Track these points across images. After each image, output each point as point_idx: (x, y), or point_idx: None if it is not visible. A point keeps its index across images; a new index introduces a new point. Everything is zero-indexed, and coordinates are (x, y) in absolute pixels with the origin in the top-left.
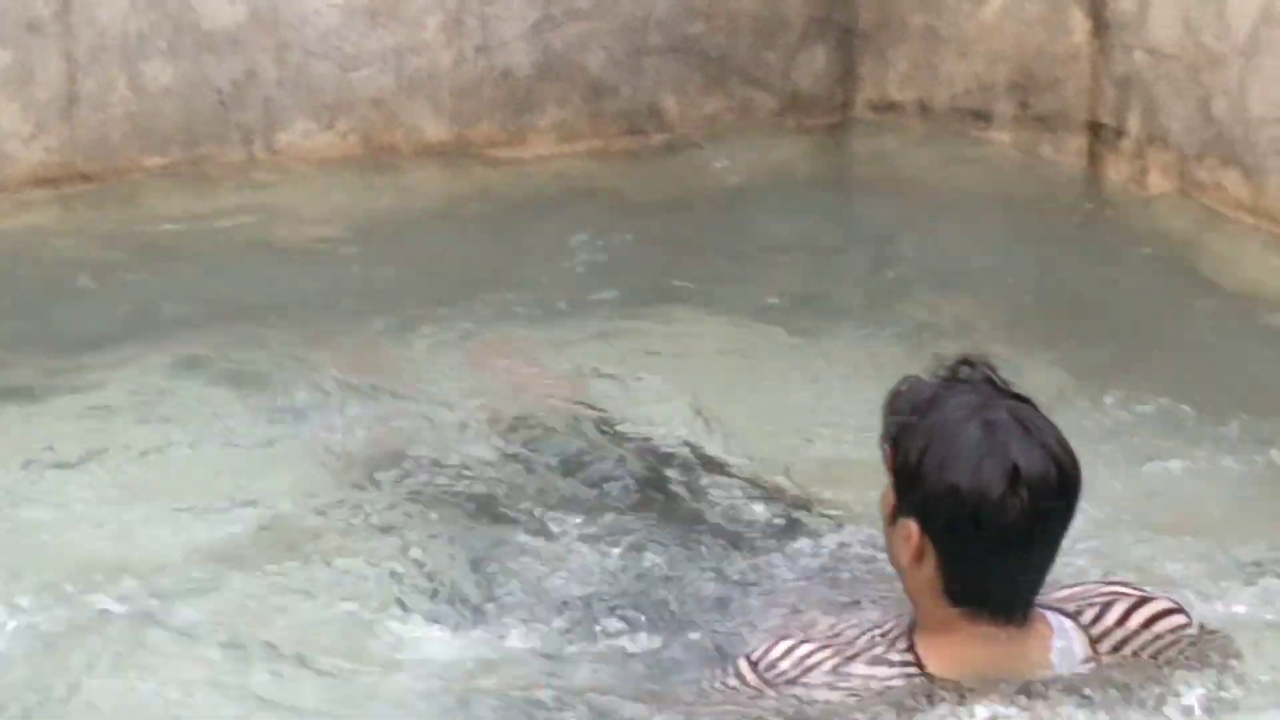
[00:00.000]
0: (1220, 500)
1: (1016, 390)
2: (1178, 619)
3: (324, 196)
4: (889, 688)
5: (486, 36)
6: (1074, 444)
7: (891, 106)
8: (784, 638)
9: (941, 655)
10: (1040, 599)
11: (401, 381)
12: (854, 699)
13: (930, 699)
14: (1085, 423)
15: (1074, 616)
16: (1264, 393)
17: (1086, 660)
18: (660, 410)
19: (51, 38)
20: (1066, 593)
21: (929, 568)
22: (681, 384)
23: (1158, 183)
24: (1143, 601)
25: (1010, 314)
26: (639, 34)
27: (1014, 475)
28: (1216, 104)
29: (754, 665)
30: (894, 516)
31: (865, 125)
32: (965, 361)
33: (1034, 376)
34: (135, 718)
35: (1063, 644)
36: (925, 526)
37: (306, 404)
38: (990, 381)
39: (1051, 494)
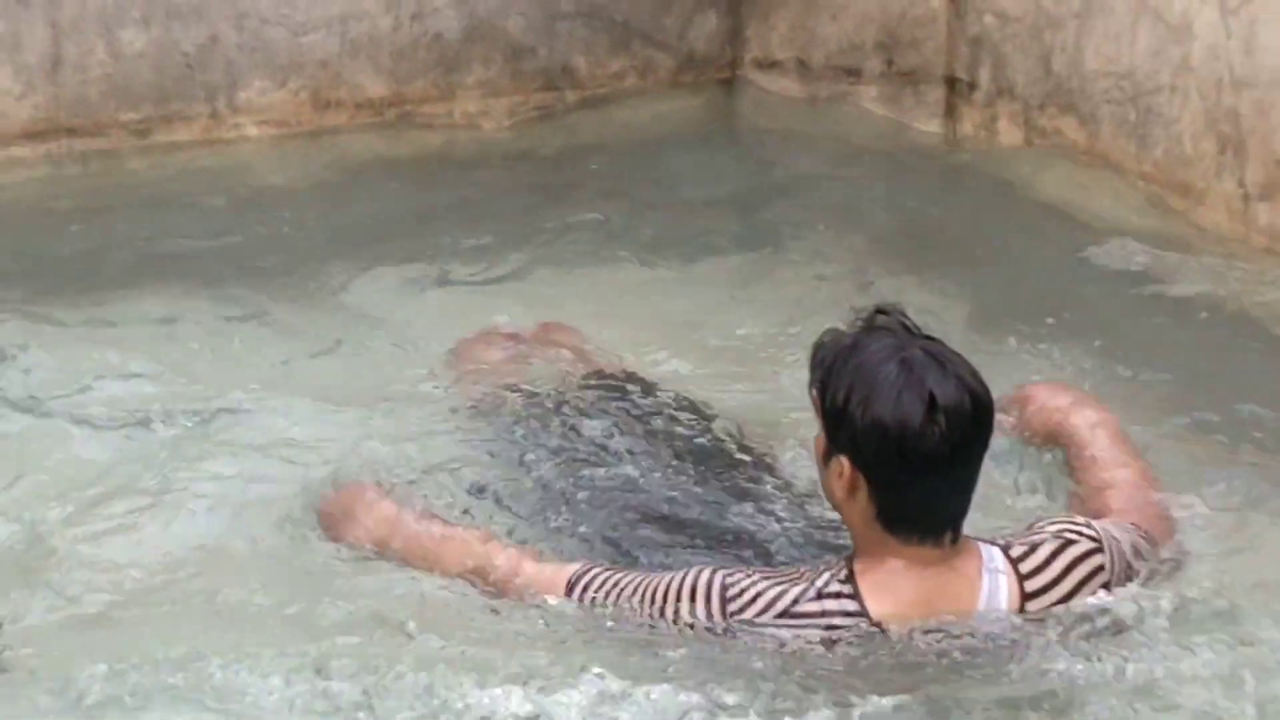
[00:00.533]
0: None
1: (928, 334)
2: (1097, 559)
3: (279, 147)
4: (831, 625)
5: (420, 4)
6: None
7: (774, 64)
8: (741, 573)
9: (877, 582)
10: (975, 533)
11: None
12: (800, 641)
13: (868, 640)
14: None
15: (1005, 549)
16: (1097, 309)
17: (1013, 591)
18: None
19: (38, 8)
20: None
21: (862, 499)
22: (603, 321)
23: (1006, 129)
24: (1067, 544)
25: (879, 245)
26: (553, 1)
27: (931, 404)
28: (1056, 60)
29: (723, 597)
30: (826, 457)
31: (751, 81)
32: (880, 310)
33: (897, 298)
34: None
35: (991, 569)
36: (855, 461)
37: (302, 334)
38: (904, 327)
39: (967, 420)
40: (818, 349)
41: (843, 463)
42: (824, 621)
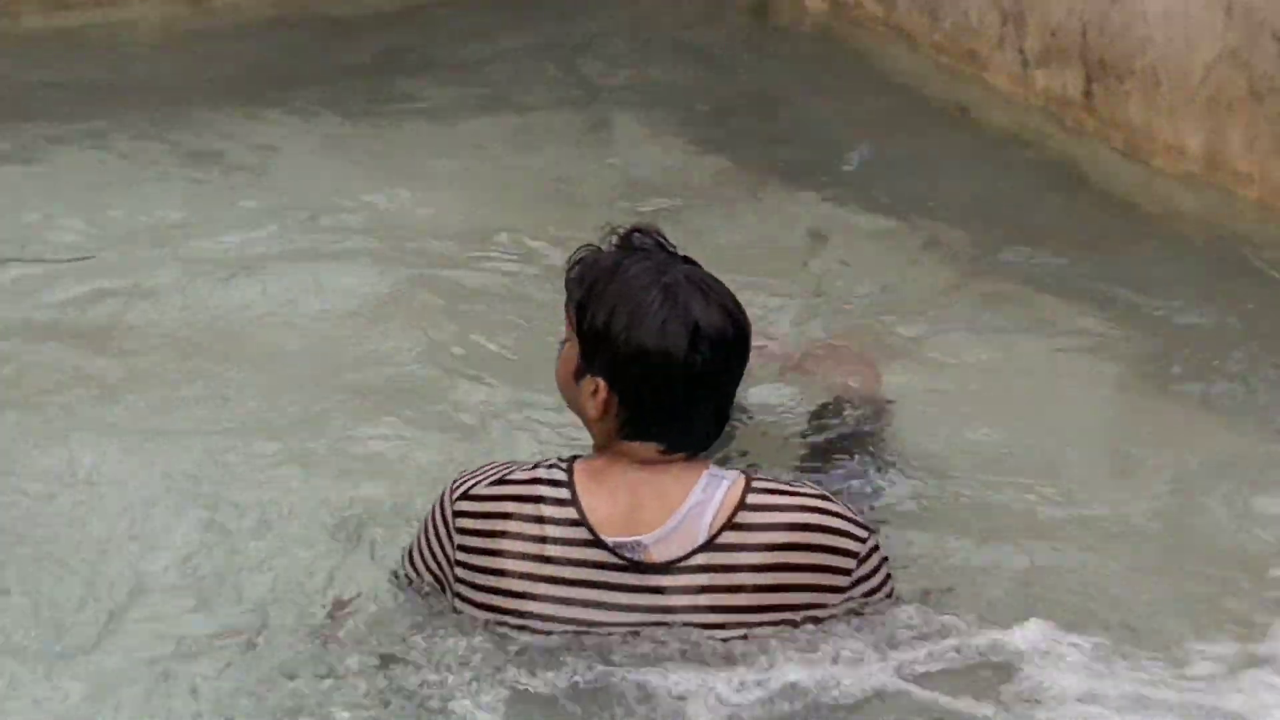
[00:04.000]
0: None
1: (684, 254)
2: (843, 561)
3: (156, 12)
4: (539, 496)
5: None
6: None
7: None
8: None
9: (593, 468)
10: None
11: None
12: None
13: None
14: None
15: (752, 477)
16: (901, 146)
17: (726, 506)
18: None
19: None
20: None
21: (611, 418)
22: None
23: (815, 5)
24: (824, 514)
25: (705, 105)
26: None
27: (696, 333)
28: None
29: (451, 492)
30: (579, 374)
31: None
32: (637, 229)
33: (714, 155)
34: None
35: (714, 478)
36: (613, 384)
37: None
38: (661, 247)
39: (729, 346)
40: (574, 265)
41: (598, 383)
42: (533, 491)
